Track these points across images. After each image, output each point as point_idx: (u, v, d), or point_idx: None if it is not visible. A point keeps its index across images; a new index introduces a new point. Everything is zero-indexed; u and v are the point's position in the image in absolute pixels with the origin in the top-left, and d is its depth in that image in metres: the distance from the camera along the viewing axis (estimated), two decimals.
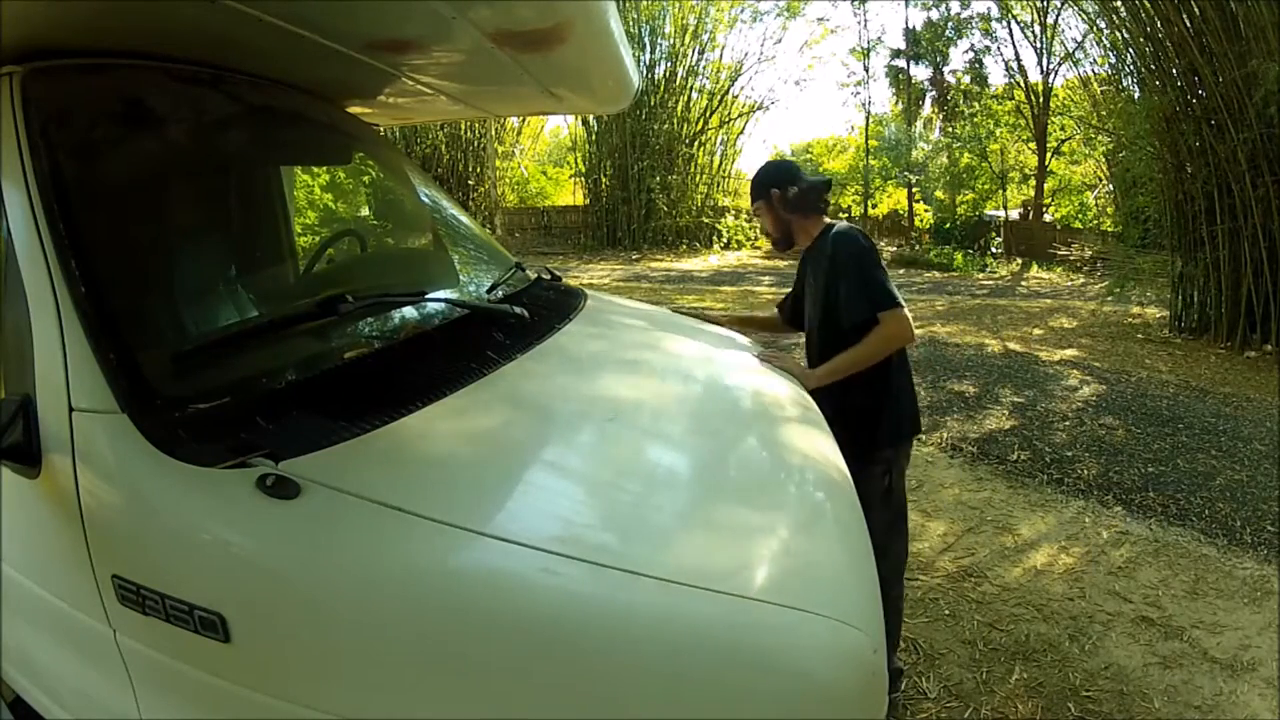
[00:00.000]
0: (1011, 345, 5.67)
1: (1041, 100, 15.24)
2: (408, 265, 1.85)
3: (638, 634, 0.74)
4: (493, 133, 14.58)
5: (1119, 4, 6.63)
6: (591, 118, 13.89)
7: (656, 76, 14.02)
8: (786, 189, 1.78)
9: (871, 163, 18.53)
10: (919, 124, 19.36)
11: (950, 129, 17.31)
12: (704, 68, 14.68)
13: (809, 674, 0.76)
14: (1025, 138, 16.01)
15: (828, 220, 1.80)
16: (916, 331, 1.85)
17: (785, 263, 13.51)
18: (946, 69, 18.01)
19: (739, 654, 0.75)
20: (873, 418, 1.67)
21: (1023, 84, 15.66)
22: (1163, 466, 3.25)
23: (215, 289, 1.27)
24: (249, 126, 1.44)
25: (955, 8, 16.57)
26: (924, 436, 3.58)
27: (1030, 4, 14.76)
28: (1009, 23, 15.48)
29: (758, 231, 15.61)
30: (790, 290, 1.98)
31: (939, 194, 17.86)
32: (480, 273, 1.75)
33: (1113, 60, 8.70)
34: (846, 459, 1.46)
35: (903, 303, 1.61)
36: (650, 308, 2.18)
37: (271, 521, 0.78)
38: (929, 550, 2.52)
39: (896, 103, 19.52)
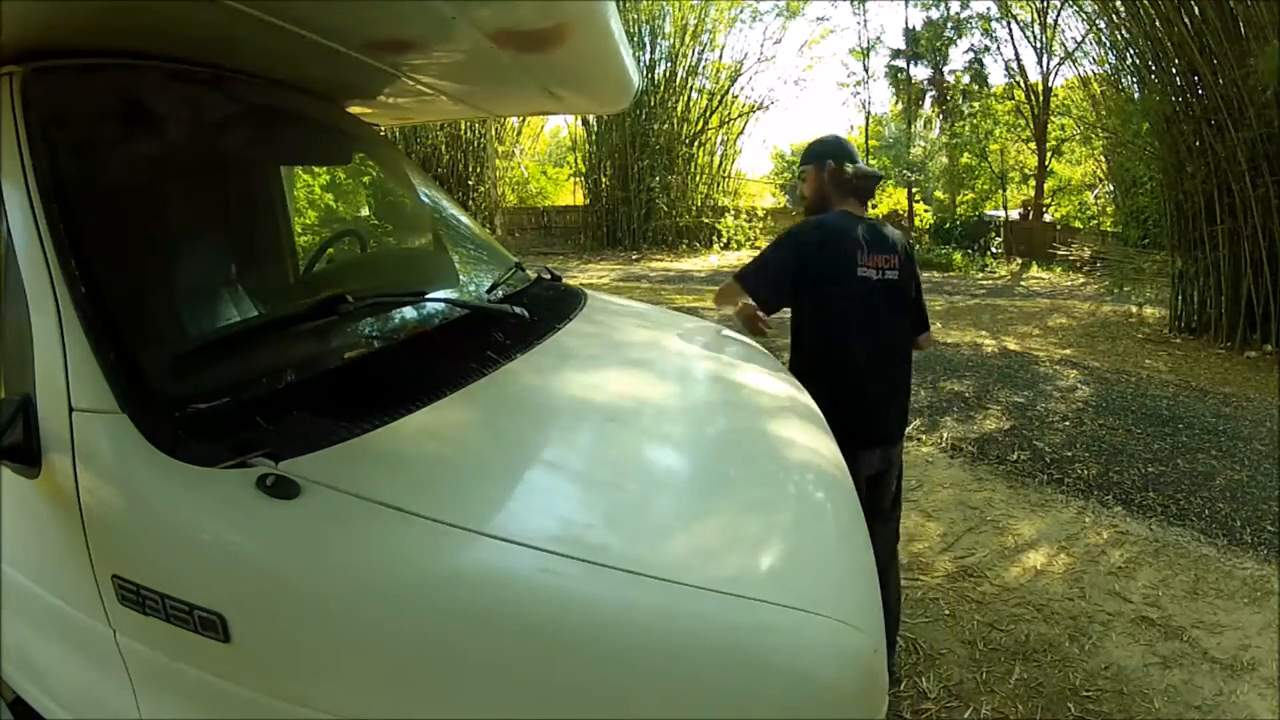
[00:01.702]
0: (1010, 345, 5.68)
1: (1041, 100, 15.24)
2: (408, 265, 1.85)
3: (637, 634, 0.74)
4: (493, 133, 14.56)
5: (1119, 4, 6.64)
6: (591, 118, 13.88)
7: (656, 76, 14.01)
8: (844, 165, 1.77)
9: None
10: (919, 124, 19.36)
11: (950, 129, 17.31)
12: (704, 68, 14.67)
13: (809, 674, 0.75)
14: (1025, 138, 16.01)
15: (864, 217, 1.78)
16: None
17: None
18: (946, 69, 18.00)
19: (738, 654, 0.74)
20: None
21: (1023, 84, 15.66)
22: (1162, 466, 3.25)
23: (215, 289, 1.27)
24: (249, 126, 1.44)
25: (955, 8, 16.59)
26: (923, 436, 3.58)
27: (1030, 4, 14.76)
28: (1009, 23, 15.49)
29: (757, 232, 15.63)
30: None
31: (939, 194, 17.87)
32: (480, 273, 1.75)
33: (1113, 60, 8.70)
34: None
35: (739, 280, 1.72)
36: (650, 307, 2.18)
37: (271, 521, 0.78)
38: (929, 550, 2.52)
39: (896, 103, 19.52)
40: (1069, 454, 3.38)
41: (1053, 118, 15.28)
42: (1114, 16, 6.96)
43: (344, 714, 0.74)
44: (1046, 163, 15.53)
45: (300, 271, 1.80)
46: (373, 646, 0.74)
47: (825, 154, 1.80)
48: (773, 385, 1.51)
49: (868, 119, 18.47)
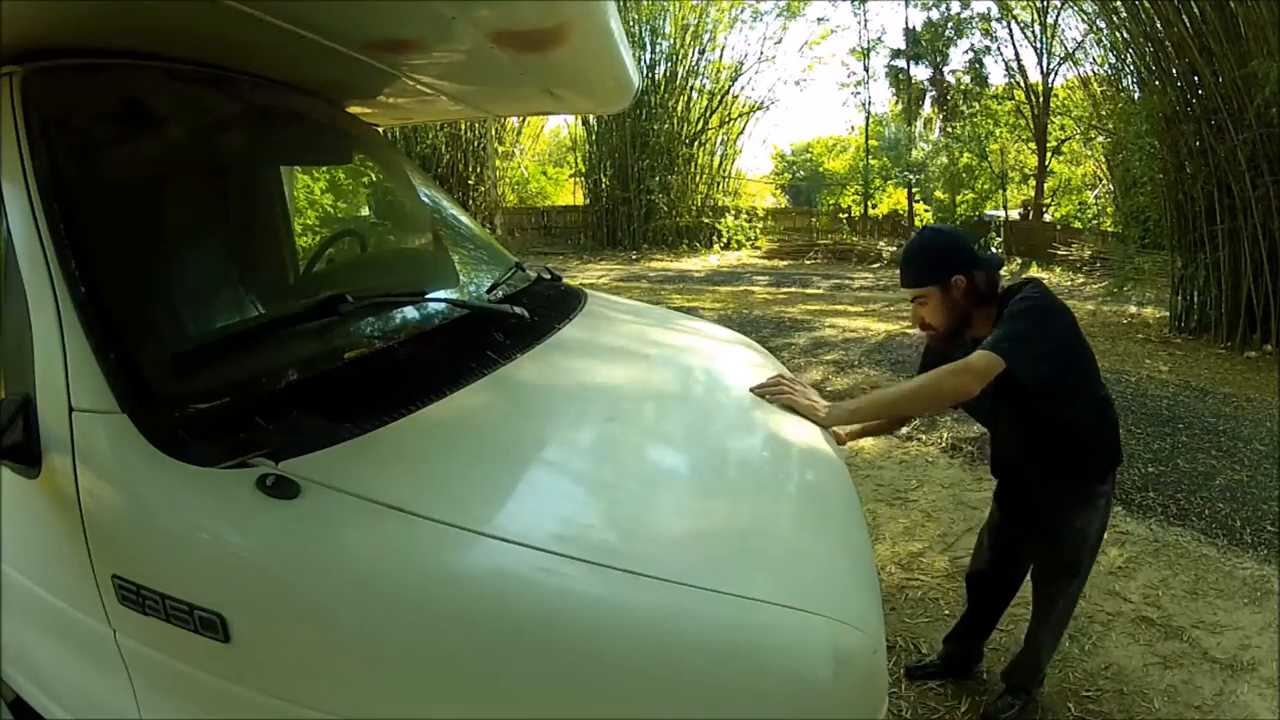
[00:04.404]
0: None
1: (1041, 100, 15.25)
2: (408, 265, 1.85)
3: (637, 634, 0.74)
4: (493, 133, 14.57)
5: (1119, 4, 6.64)
6: (591, 118, 13.88)
7: (656, 76, 14.01)
8: (974, 274, 1.42)
9: (871, 163, 18.58)
10: (919, 124, 19.37)
11: (950, 129, 17.31)
12: (704, 68, 14.68)
13: (808, 675, 0.76)
14: (1025, 138, 16.02)
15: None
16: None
17: (785, 263, 13.51)
18: (946, 69, 18.04)
19: (738, 654, 0.75)
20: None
21: (1023, 84, 15.67)
22: (1163, 466, 3.25)
23: (215, 289, 1.27)
24: (249, 126, 1.44)
25: (955, 8, 16.63)
26: (923, 436, 3.58)
27: (1030, 4, 14.77)
28: (1009, 23, 15.52)
29: (757, 232, 15.62)
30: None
31: (939, 194, 17.85)
32: (480, 273, 1.75)
33: (1113, 60, 8.71)
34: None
35: (1010, 357, 1.27)
36: (650, 307, 2.18)
37: (271, 521, 0.78)
38: (928, 550, 2.52)
39: (896, 103, 19.56)
40: None
41: (1053, 118, 15.29)
42: (1114, 17, 6.96)
43: (344, 714, 0.74)
44: (1046, 163, 15.54)
45: (300, 271, 1.80)
46: (373, 646, 0.74)
47: (949, 266, 1.42)
48: None
49: (868, 119, 18.49)
